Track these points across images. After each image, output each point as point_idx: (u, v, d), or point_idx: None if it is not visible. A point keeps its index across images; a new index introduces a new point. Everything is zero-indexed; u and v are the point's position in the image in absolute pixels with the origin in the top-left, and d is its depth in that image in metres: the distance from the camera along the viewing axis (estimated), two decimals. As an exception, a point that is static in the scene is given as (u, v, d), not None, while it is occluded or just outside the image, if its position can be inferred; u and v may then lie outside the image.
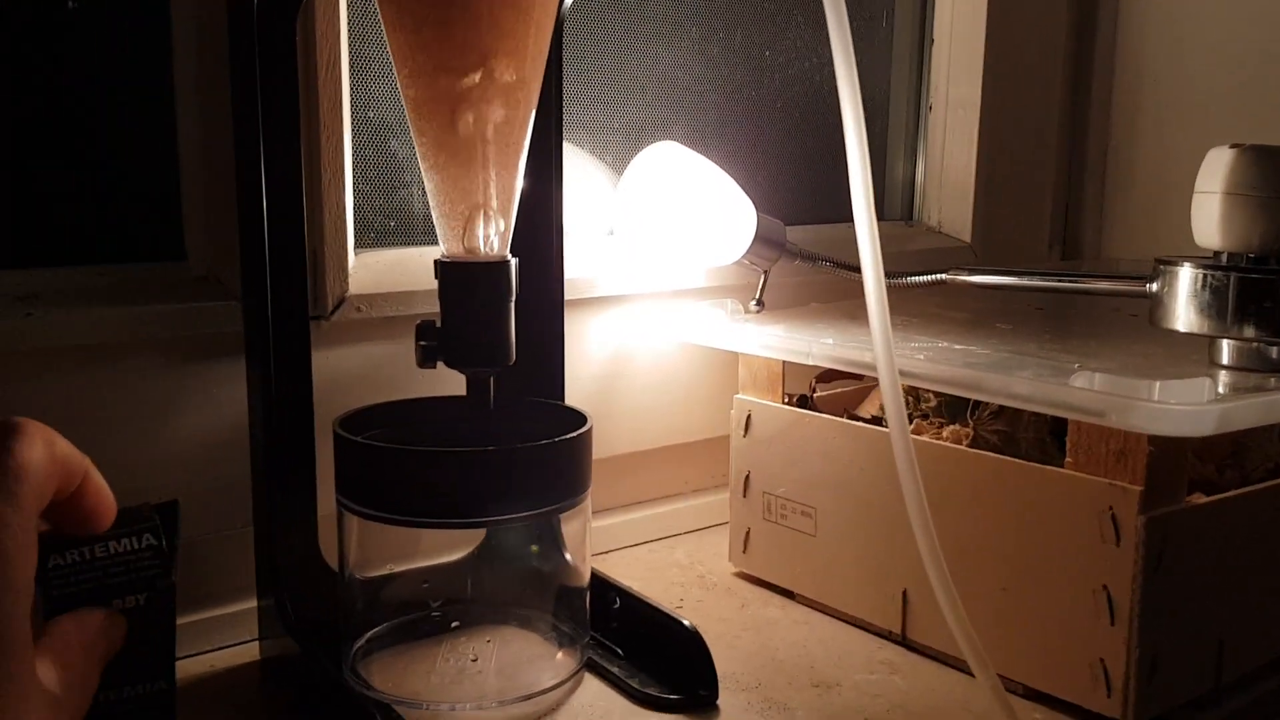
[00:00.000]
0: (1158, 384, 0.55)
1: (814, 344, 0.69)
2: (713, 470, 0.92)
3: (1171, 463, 0.59)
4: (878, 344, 0.54)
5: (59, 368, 0.61)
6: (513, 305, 0.62)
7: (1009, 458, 0.64)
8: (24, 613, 0.34)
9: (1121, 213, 1.13)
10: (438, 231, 0.61)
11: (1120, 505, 0.58)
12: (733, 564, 0.81)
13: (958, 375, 0.61)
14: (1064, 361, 0.63)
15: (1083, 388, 0.56)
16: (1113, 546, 0.59)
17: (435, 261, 0.61)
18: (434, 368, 0.62)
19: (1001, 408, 0.69)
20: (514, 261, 0.61)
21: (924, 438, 0.68)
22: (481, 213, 0.60)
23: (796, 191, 1.01)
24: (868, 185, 0.55)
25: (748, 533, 0.79)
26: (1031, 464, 0.63)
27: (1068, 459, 0.61)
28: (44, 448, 0.36)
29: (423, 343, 0.61)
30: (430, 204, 0.60)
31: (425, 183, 0.60)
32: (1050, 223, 1.12)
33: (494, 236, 0.61)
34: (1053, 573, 0.61)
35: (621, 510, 0.87)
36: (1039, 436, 0.68)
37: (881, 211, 1.08)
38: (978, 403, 0.70)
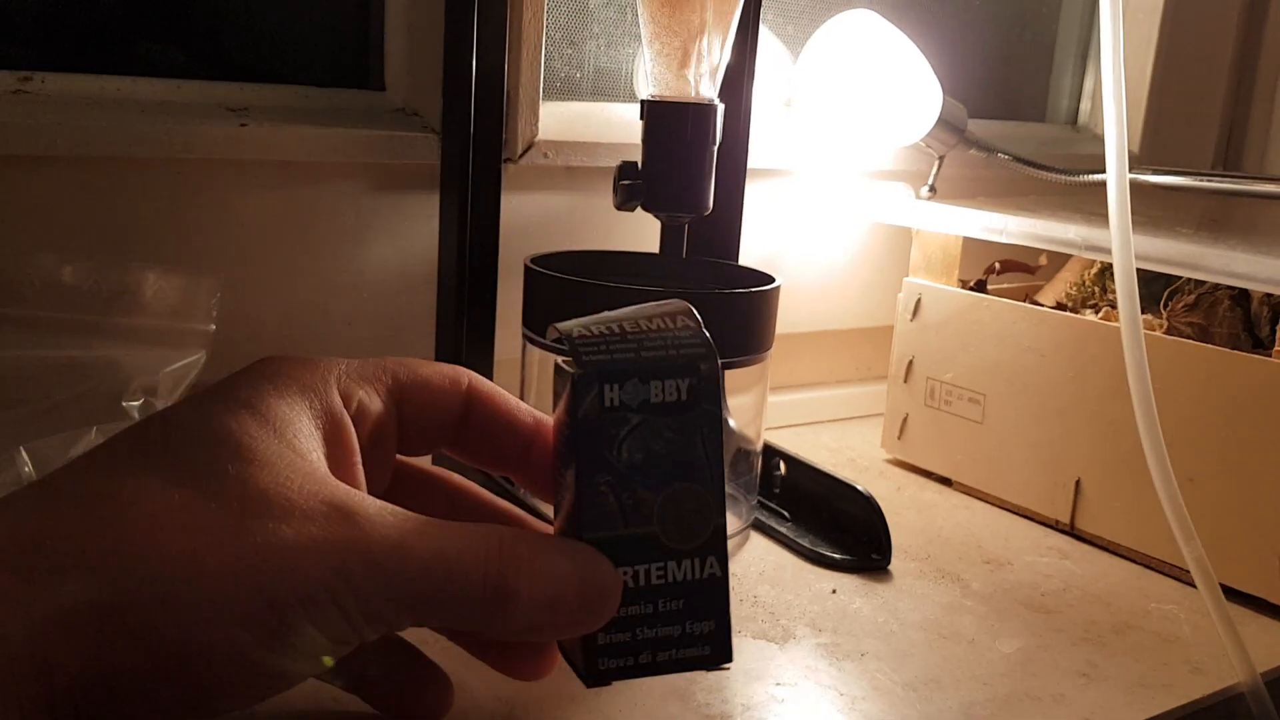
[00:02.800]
0: (1396, 268, 0.53)
1: (1009, 220, 0.67)
2: (859, 362, 0.92)
3: (1393, 356, 0.57)
4: (1114, 210, 0.52)
5: (266, 182, 0.61)
6: (715, 152, 0.61)
7: (1209, 345, 0.62)
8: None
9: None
10: (648, 71, 0.60)
11: (1335, 396, 0.56)
12: (885, 450, 0.80)
13: (1175, 252, 0.59)
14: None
15: (1317, 265, 0.54)
16: (1321, 438, 0.57)
17: (642, 101, 0.60)
18: (633, 210, 0.62)
19: (1197, 300, 0.67)
20: (721, 107, 0.60)
21: (1116, 324, 0.67)
22: (695, 53, 0.59)
23: (968, 85, 0.99)
24: (1118, 45, 0.53)
25: (905, 419, 0.78)
26: (1237, 352, 0.61)
27: (1277, 348, 0.59)
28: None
29: (624, 182, 0.61)
30: (644, 39, 0.59)
31: (640, 15, 0.59)
32: (1216, 140, 1.08)
33: (704, 78, 0.60)
34: (1247, 464, 0.60)
35: (774, 392, 0.86)
36: (1234, 331, 0.66)
37: (1043, 114, 1.05)
38: (1171, 295, 0.68)
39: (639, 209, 0.62)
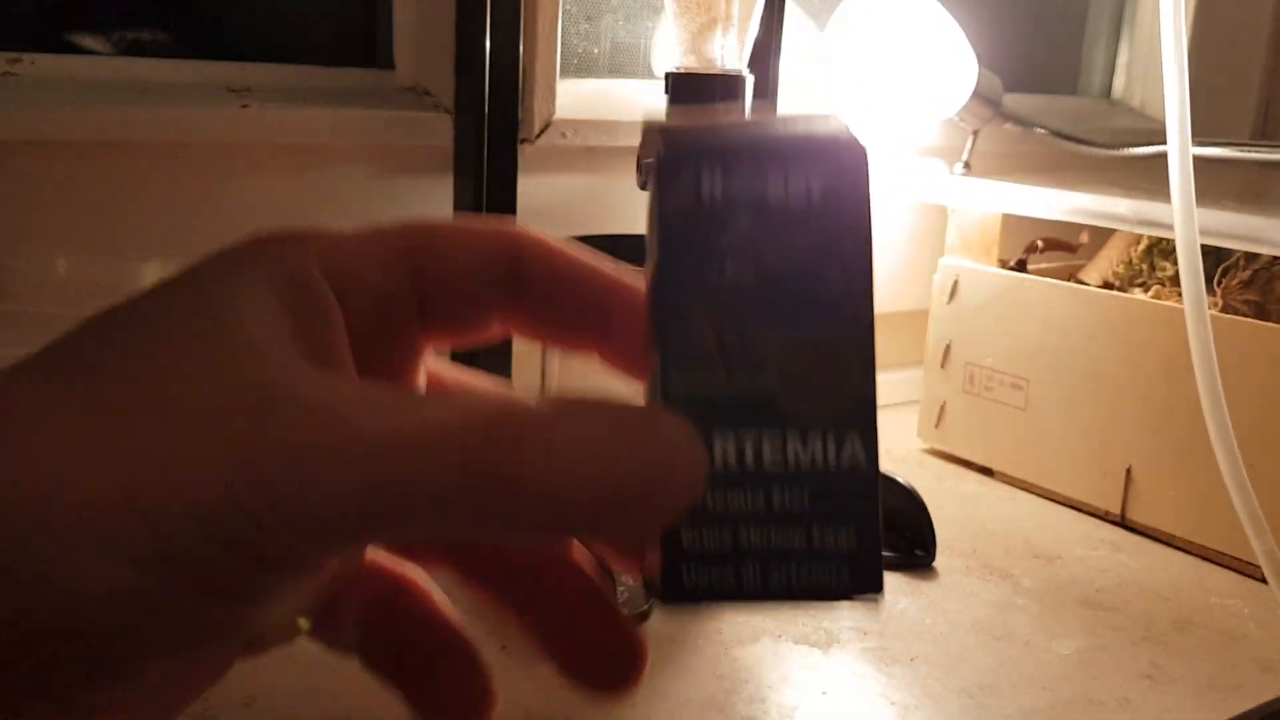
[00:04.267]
0: None
1: (1053, 195, 0.63)
2: (893, 348, 0.88)
3: None
4: (1175, 181, 0.49)
5: (270, 165, 0.58)
6: (744, 127, 0.58)
7: (1269, 323, 0.59)
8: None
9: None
10: (675, 42, 0.56)
11: None
12: (922, 440, 0.77)
13: (1239, 225, 0.56)
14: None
15: (1397, 236, 0.51)
16: (1396, 420, 0.53)
17: (667, 74, 0.57)
18: (658, 189, 0.58)
19: (1253, 276, 0.63)
20: (750, 78, 0.57)
21: (1169, 303, 0.63)
22: (722, 22, 0.56)
23: (996, 58, 0.95)
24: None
25: (943, 406, 0.75)
26: (1301, 330, 0.57)
27: (1347, 325, 0.56)
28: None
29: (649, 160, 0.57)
30: (669, 10, 0.56)
31: (665, -13, 0.55)
32: (1255, 112, 1.04)
33: (731, 49, 0.56)
34: (1316, 449, 0.57)
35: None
36: (1294, 309, 0.63)
37: (1075, 87, 1.02)
38: (1225, 271, 0.65)
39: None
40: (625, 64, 0.75)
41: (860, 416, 0.22)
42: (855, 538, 0.22)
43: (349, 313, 0.22)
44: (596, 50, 0.72)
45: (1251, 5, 1.03)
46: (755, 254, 0.22)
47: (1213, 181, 0.87)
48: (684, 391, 0.22)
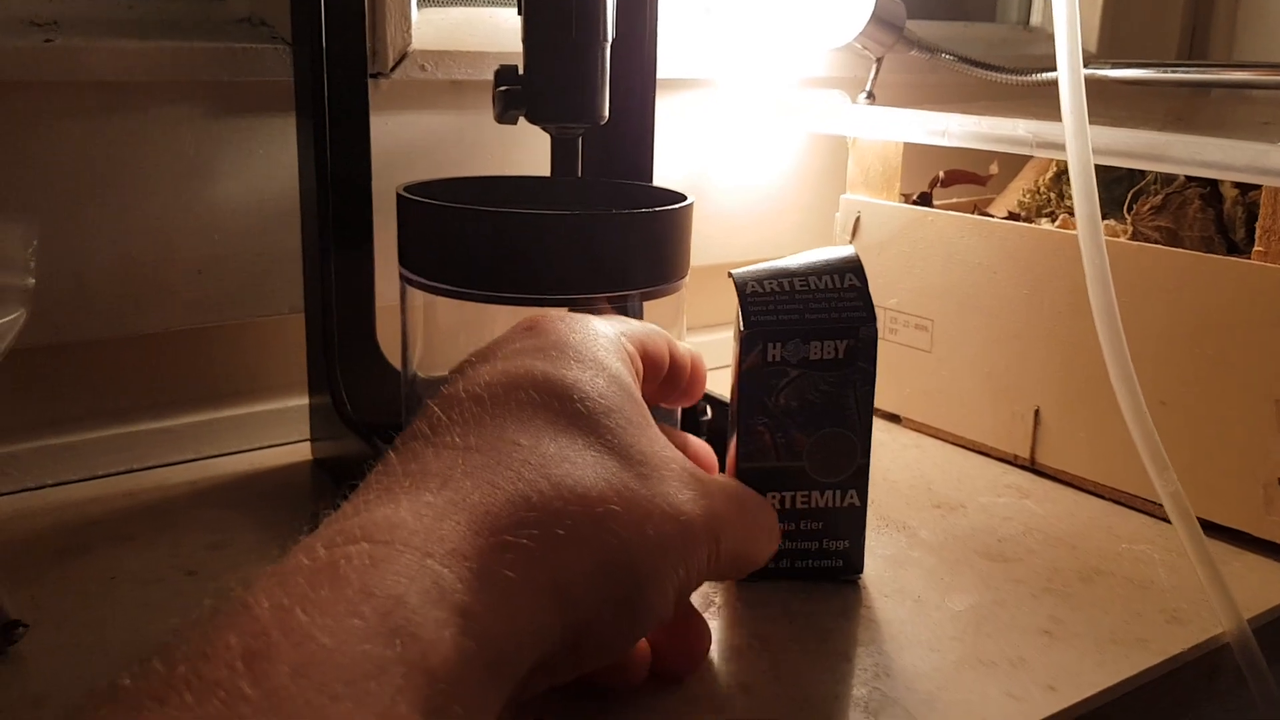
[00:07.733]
0: (1391, 148, 0.46)
1: (952, 120, 0.59)
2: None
3: (1388, 251, 0.49)
4: (1066, 91, 0.45)
5: (83, 107, 0.52)
6: (608, 51, 0.53)
7: (1180, 249, 0.55)
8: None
9: (1257, 25, 1.00)
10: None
11: (1323, 299, 0.49)
12: (828, 386, 0.73)
13: (1139, 144, 0.52)
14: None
15: (1300, 148, 0.47)
16: (1308, 348, 0.50)
17: (519, -7, 0.52)
18: (514, 122, 0.53)
19: (1165, 201, 0.60)
20: (612, -4, 0.52)
21: (1074, 232, 0.59)
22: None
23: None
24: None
25: (848, 350, 0.70)
26: (1209, 255, 0.54)
27: (1257, 247, 0.52)
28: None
29: (502, 88, 0.52)
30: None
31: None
32: (1180, 33, 1.00)
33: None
34: (1226, 382, 0.53)
35: (700, 330, 0.78)
36: (1206, 234, 0.59)
37: (993, 14, 0.97)
38: (1135, 197, 0.61)
39: (523, 121, 0.53)
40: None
41: (857, 478, 0.42)
42: (848, 544, 0.44)
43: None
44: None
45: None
46: (799, 390, 0.38)
47: (1139, 108, 0.84)
48: (750, 469, 0.40)
